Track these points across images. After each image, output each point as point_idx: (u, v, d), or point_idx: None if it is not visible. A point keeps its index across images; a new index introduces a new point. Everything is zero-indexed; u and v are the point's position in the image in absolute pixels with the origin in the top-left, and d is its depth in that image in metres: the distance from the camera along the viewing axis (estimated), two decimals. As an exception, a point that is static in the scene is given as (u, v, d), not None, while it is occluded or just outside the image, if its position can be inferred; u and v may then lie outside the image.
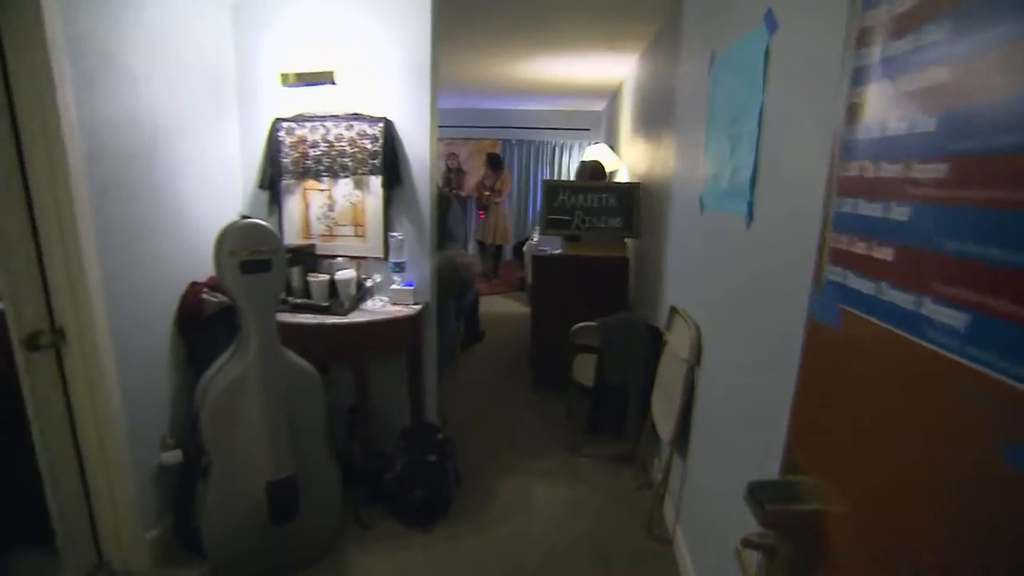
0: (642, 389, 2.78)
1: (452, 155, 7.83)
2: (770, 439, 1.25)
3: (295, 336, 2.28)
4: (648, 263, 3.49)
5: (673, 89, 2.88)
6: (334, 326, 2.30)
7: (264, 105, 2.56)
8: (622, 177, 4.98)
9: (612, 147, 5.43)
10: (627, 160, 4.88)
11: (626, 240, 3.88)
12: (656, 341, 2.79)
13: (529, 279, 6.19)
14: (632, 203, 3.85)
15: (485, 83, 6.05)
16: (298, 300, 2.42)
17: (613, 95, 6.59)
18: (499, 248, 7.43)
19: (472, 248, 8.11)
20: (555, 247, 3.93)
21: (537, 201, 8.62)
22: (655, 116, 3.52)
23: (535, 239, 6.28)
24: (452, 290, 2.92)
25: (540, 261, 3.81)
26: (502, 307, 6.34)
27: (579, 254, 3.72)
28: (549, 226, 3.87)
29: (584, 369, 3.09)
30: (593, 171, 4.23)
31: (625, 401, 2.90)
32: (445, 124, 8.46)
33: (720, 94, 1.99)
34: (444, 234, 2.81)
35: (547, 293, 3.79)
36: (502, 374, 4.33)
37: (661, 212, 3.12)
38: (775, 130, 1.49)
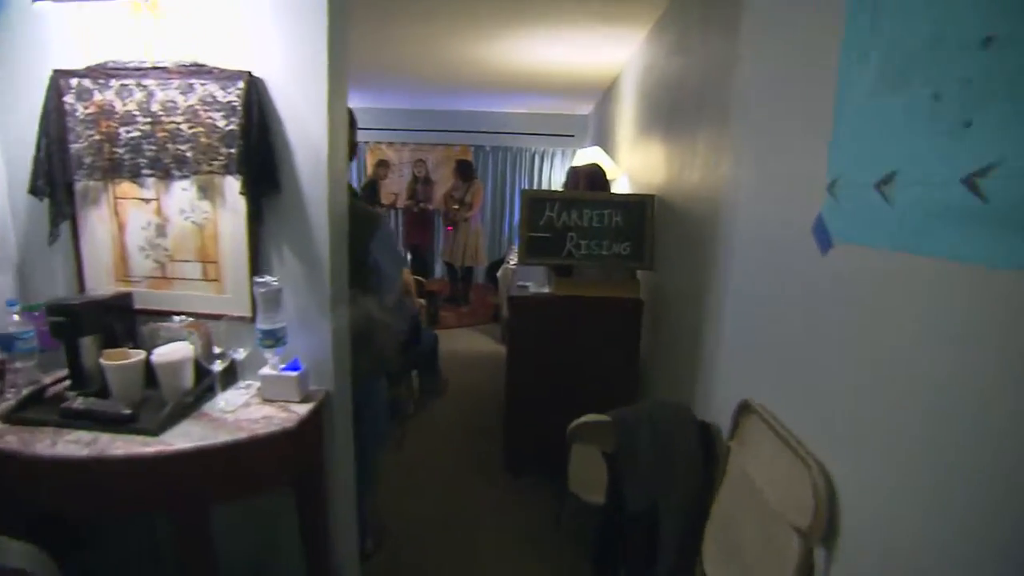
0: (686, 522, 1.73)
1: (419, 162, 6.78)
2: None
3: (50, 485, 1.18)
4: (674, 312, 2.45)
5: (724, 61, 1.88)
6: (133, 461, 1.20)
7: (35, 45, 1.46)
8: (622, 188, 3.97)
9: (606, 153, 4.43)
10: (628, 168, 3.88)
11: (637, 273, 2.85)
12: (708, 444, 1.75)
13: (504, 312, 5.14)
14: (644, 222, 2.82)
15: (452, 72, 5.02)
16: (78, 405, 1.30)
17: (604, 94, 5.62)
18: (469, 271, 6.35)
19: (440, 270, 7.04)
20: (540, 282, 2.88)
21: (514, 216, 7.58)
22: (683, 106, 2.51)
23: (512, 261, 5.23)
24: (379, 365, 1.85)
25: (520, 303, 2.73)
26: (471, 343, 5.25)
27: (575, 294, 2.67)
28: (532, 253, 2.82)
29: (587, 475, 2.03)
30: (591, 178, 3.20)
31: (654, 530, 1.85)
32: (412, 128, 7.43)
33: (894, 9, 0.97)
34: (366, 274, 1.74)
35: (528, 347, 2.71)
36: (468, 446, 3.24)
37: (699, 238, 2.09)
38: None
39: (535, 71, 4.79)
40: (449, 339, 5.27)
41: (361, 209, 1.71)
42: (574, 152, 7.36)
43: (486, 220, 7.53)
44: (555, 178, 7.48)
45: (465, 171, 6.11)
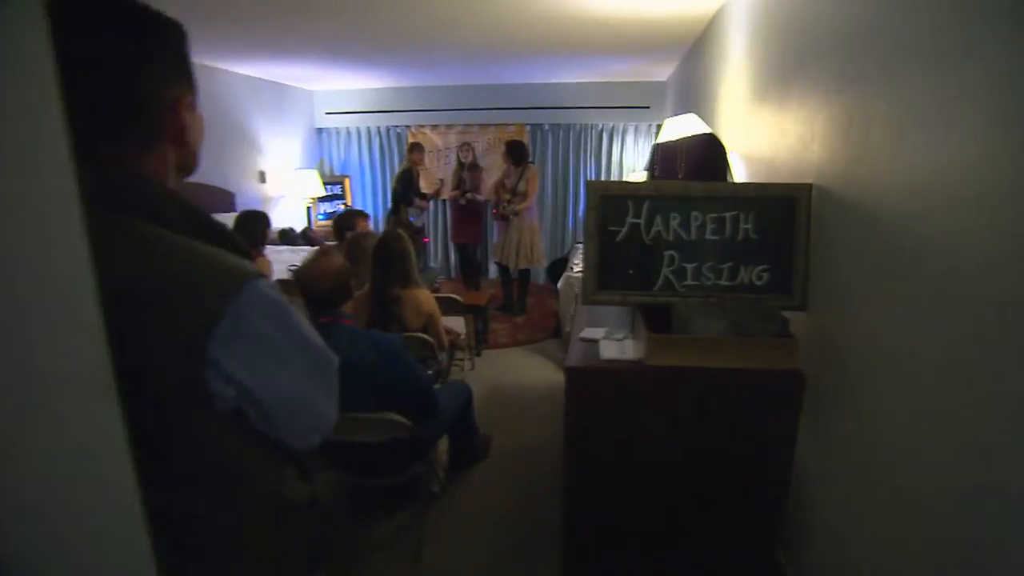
0: None
1: (465, 146, 5.72)
2: None
3: None
4: (873, 406, 1.30)
5: None
6: None
7: None
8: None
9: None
10: (740, 145, 2.69)
11: (784, 316, 1.72)
12: None
13: (566, 348, 4.03)
14: (793, 231, 1.70)
15: (500, 35, 3.96)
16: None
17: (690, 49, 4.37)
18: (525, 273, 5.31)
19: (494, 270, 6.05)
20: (616, 333, 1.80)
21: (580, 207, 6.44)
22: (883, 40, 1.34)
23: (576, 267, 4.16)
24: None
25: (583, 379, 1.65)
26: (524, 370, 4.22)
27: (680, 364, 1.56)
28: (605, 284, 1.75)
29: None
30: (698, 159, 2.04)
31: None
32: (457, 107, 6.45)
33: None
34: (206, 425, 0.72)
35: (598, 454, 1.64)
36: (512, 540, 2.24)
37: (967, 277, 0.95)
38: None
39: (599, 24, 3.65)
40: (498, 364, 4.27)
41: (163, 254, 0.69)
42: (651, 127, 6.13)
43: (545, 212, 6.45)
44: (627, 160, 6.28)
45: (516, 153, 5.03)
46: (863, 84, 1.44)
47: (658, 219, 1.74)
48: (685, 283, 1.74)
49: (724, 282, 1.74)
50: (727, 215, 1.72)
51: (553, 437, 2.95)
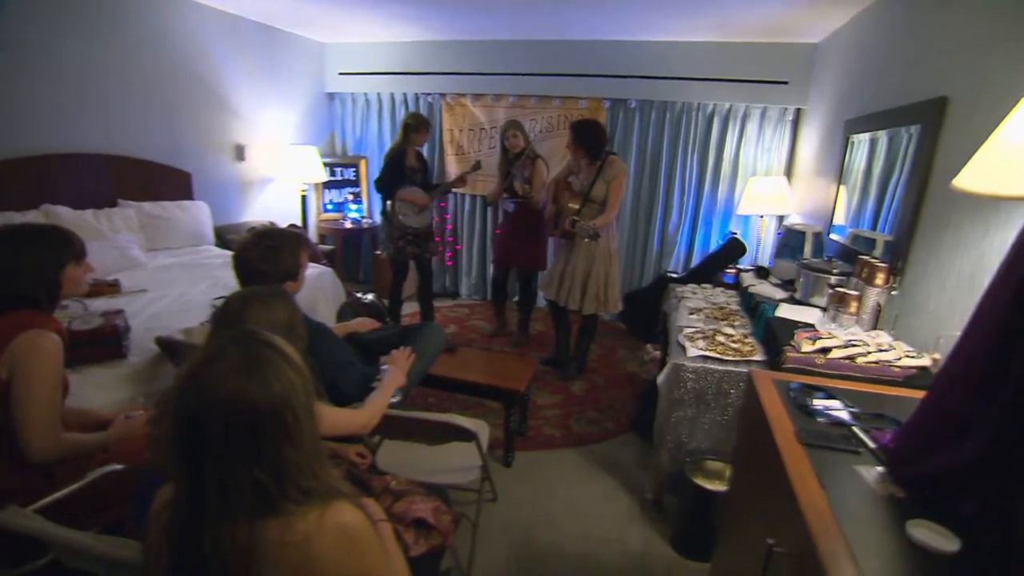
0: None
1: (512, 126, 3.90)
2: None
3: None
4: None
5: None
6: None
7: None
8: None
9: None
10: None
11: None
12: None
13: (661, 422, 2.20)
14: None
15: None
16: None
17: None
18: (591, 321, 3.54)
19: (541, 300, 4.30)
20: None
21: (671, 219, 4.59)
22: None
23: (695, 345, 2.32)
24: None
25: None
26: (582, 504, 2.46)
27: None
28: None
29: None
30: None
31: None
32: (505, 71, 4.74)
33: None
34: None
35: None
36: None
37: None
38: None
39: None
40: (538, 486, 2.55)
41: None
42: (785, 112, 4.19)
43: (622, 225, 4.64)
44: (746, 156, 4.39)
45: (591, 140, 3.24)
46: None
47: None
48: None
49: None
50: None
51: None
